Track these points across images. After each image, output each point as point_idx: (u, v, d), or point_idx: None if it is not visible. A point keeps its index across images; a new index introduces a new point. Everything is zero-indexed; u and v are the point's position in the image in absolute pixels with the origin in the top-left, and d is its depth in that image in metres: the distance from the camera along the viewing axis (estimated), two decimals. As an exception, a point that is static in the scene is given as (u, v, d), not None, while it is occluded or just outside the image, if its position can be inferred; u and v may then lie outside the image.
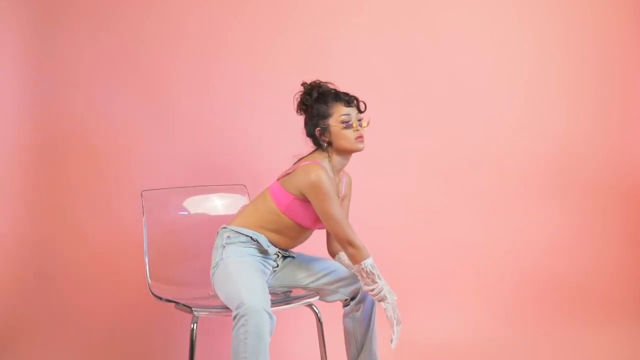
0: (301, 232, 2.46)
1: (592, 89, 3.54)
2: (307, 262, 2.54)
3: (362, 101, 2.48)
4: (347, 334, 2.50)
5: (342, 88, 2.53)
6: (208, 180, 2.94)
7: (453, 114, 3.43)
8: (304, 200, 2.37)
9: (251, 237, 2.40)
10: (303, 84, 2.48)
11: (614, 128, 3.56)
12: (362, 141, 2.42)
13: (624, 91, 3.57)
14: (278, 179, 2.46)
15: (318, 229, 2.48)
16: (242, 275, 2.26)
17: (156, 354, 3.01)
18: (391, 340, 2.28)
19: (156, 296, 2.50)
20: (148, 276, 2.57)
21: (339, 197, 2.46)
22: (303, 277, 2.52)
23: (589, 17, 3.54)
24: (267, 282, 2.44)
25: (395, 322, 2.27)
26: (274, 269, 2.51)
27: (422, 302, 3.32)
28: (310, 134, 2.46)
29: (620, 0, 3.58)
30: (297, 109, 2.49)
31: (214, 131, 3.20)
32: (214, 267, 2.39)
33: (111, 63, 3.15)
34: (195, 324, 2.29)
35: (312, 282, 2.50)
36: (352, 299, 2.48)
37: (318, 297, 2.49)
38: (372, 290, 2.29)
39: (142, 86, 3.17)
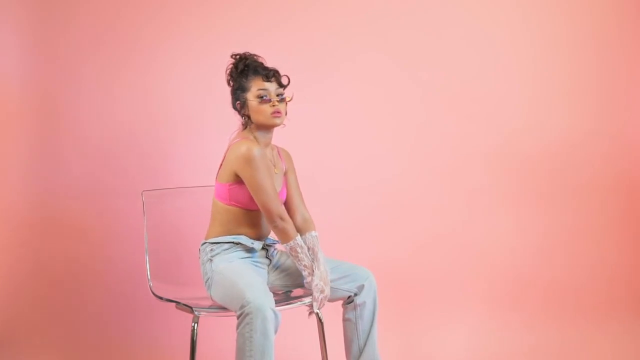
0: (256, 216, 2.41)
1: (595, 88, 3.52)
2: None
3: (285, 75, 2.44)
4: (349, 333, 2.49)
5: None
6: (209, 180, 2.92)
7: (453, 113, 3.43)
8: (240, 182, 2.34)
9: (232, 242, 2.38)
10: (232, 56, 2.45)
11: (616, 128, 3.55)
12: (279, 116, 2.37)
13: (627, 91, 3.56)
14: (216, 179, 2.44)
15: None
16: (240, 276, 2.25)
17: (157, 353, 3.01)
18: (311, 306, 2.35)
19: (157, 296, 2.50)
20: (149, 276, 2.57)
21: (279, 171, 2.46)
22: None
23: (592, 16, 3.53)
24: (268, 281, 2.44)
25: (318, 297, 2.32)
26: (270, 265, 2.49)
27: (420, 303, 3.32)
28: (233, 107, 2.45)
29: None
30: (227, 81, 2.47)
31: (214, 131, 3.19)
32: (207, 281, 2.37)
33: (112, 63, 3.15)
34: (196, 324, 2.29)
35: None
36: (355, 295, 2.45)
37: None
38: (305, 267, 2.33)
39: (143, 86, 3.17)
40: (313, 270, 2.34)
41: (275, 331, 2.14)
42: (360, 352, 2.47)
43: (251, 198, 2.35)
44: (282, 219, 2.32)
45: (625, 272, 3.49)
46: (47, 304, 3.06)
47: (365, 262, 2.56)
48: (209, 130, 3.20)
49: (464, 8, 3.45)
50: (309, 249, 2.40)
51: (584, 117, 3.52)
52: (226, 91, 3.20)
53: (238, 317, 2.13)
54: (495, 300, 3.36)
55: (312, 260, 2.37)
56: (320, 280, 2.33)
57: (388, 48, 3.38)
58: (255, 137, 2.41)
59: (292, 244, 2.33)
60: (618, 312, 3.40)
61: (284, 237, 2.34)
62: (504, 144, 3.45)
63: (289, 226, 2.34)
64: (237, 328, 2.12)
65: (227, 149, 2.41)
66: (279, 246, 2.54)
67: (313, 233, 2.46)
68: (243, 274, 2.27)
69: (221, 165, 2.41)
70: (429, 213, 3.39)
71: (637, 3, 3.55)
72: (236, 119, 3.21)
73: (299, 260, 2.34)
